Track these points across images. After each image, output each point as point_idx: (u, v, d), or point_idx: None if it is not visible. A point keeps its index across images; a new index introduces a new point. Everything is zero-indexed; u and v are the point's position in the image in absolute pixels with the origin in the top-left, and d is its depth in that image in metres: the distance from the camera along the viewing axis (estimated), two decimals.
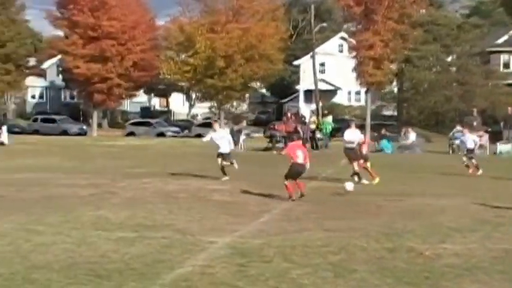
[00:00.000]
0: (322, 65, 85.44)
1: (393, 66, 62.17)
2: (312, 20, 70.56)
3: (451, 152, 41.82)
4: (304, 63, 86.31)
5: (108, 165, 28.15)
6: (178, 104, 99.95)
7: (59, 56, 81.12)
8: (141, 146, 48.17)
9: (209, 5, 64.95)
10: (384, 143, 43.88)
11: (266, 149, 43.57)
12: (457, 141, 37.56)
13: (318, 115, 54.41)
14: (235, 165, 23.86)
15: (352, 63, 59.89)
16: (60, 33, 73.46)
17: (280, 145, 43.49)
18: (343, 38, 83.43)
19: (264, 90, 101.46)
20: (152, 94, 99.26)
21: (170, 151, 43.36)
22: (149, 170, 27.66)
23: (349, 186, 19.10)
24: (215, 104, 73.49)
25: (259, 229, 13.69)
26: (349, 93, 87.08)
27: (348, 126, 24.68)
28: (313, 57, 68.83)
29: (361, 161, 22.84)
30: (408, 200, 18.15)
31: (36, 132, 68.18)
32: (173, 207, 16.43)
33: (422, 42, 69.57)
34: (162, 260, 10.62)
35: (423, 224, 14.17)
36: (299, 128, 43.21)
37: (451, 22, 76.45)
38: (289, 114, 46.87)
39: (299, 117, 48.19)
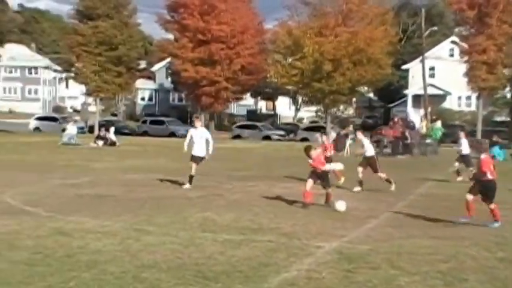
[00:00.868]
0: (432, 69, 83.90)
1: (506, 71, 60.41)
2: (423, 24, 69.34)
3: None
4: (413, 67, 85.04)
5: (214, 168, 28.31)
6: (284, 107, 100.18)
7: (169, 59, 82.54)
8: (247, 149, 48.43)
9: (318, 8, 64.66)
10: (496, 150, 42.63)
11: None
12: None
13: (427, 120, 53.44)
14: (187, 186, 21.04)
15: (463, 67, 58.63)
16: (170, 36, 74.67)
17: (388, 150, 42.99)
18: (454, 42, 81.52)
19: (371, 95, 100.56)
20: (259, 97, 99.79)
21: (276, 154, 43.41)
22: (255, 173, 27.73)
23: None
24: (321, 108, 73.18)
25: (366, 235, 13.49)
26: (460, 98, 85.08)
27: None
28: (422, 61, 67.67)
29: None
30: None
31: (145, 133, 69.56)
32: (278, 211, 16.38)
33: None
34: (268, 263, 10.55)
35: None
36: (407, 133, 42.58)
37: None
38: (396, 119, 46.21)
39: (407, 122, 47.43)
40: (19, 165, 28.91)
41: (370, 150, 23.25)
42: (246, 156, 40.56)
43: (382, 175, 22.02)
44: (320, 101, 67.76)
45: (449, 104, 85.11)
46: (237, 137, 69.07)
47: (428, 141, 45.02)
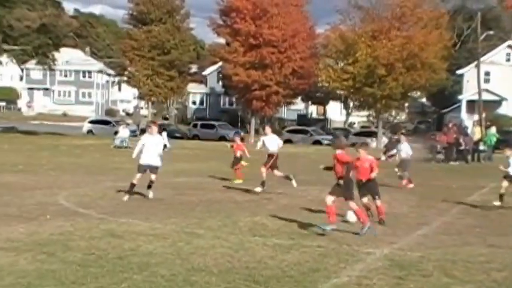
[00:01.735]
0: (487, 74, 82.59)
1: None
2: (478, 28, 68.34)
3: None
4: (468, 72, 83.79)
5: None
6: (335, 112, 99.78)
7: (220, 63, 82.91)
8: (297, 154, 48.30)
9: (371, 13, 64.38)
10: None
11: (426, 160, 42.66)
12: None
13: (481, 126, 52.66)
14: (150, 195, 18.95)
15: None
16: (222, 40, 74.99)
17: (441, 156, 42.53)
18: (510, 47, 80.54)
19: (424, 100, 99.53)
20: (309, 102, 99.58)
21: (326, 159, 43.05)
22: (305, 177, 27.58)
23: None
24: (373, 113, 72.75)
25: (418, 242, 13.34)
26: None
27: None
28: (478, 66, 66.65)
29: None
30: None
31: (195, 137, 69.88)
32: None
33: None
34: (318, 268, 10.51)
35: None
36: (461, 140, 42.07)
37: None
38: (450, 125, 45.66)
39: (461, 128, 46.80)
40: (72, 167, 29.31)
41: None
42: (296, 160, 40.41)
43: None
44: (372, 106, 67.41)
45: (505, 109, 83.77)
46: (287, 141, 69.00)
47: (482, 147, 44.40)
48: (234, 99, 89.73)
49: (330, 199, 13.97)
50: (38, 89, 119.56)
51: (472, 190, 23.55)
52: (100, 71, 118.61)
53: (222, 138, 67.85)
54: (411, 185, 24.36)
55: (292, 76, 68.35)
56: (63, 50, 69.81)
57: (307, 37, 70.50)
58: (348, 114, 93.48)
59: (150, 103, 71.10)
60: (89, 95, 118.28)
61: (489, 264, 11.19)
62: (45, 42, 60.32)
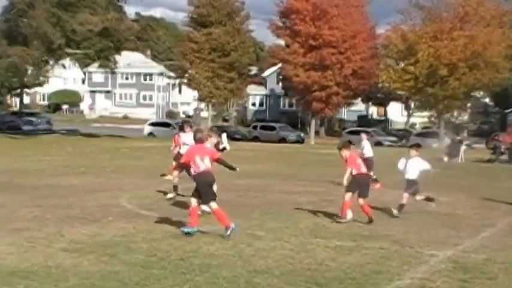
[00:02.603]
0: None
1: None
2: None
3: None
4: None
5: (325, 173, 28.22)
6: (395, 112, 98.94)
7: (279, 65, 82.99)
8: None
9: (433, 12, 63.78)
10: None
11: (489, 161, 42.00)
12: None
13: None
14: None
15: None
16: (281, 42, 75.09)
17: (505, 157, 41.82)
18: None
19: (487, 100, 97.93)
20: (370, 102, 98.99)
21: (386, 161, 42.71)
22: None
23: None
24: (435, 114, 71.94)
25: (482, 244, 13.12)
26: None
27: None
28: None
29: None
30: None
31: (255, 139, 69.87)
32: (390, 218, 16.15)
33: None
34: (381, 270, 10.41)
35: None
36: None
37: None
38: None
39: None
40: (134, 169, 29.61)
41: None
42: None
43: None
44: (433, 106, 66.75)
45: None
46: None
47: None
48: (293, 101, 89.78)
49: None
50: (100, 91, 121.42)
51: None
52: (161, 74, 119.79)
53: (282, 140, 67.84)
54: None
55: (352, 77, 68.12)
56: (124, 53, 70.73)
57: (367, 37, 70.17)
58: (409, 115, 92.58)
59: (210, 105, 71.46)
60: (150, 97, 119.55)
61: None
62: (107, 46, 61.21)
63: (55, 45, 58.44)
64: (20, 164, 31.41)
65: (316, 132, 75.44)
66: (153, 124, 74.41)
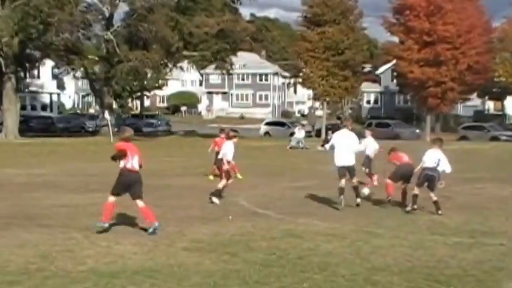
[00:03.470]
0: None
1: None
2: None
3: None
4: None
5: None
6: None
7: (393, 62, 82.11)
8: (474, 150, 47.05)
9: None
10: None
11: None
12: None
13: None
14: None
15: None
16: (395, 39, 74.31)
17: None
18: None
19: None
20: (486, 97, 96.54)
21: (505, 156, 41.86)
22: (482, 175, 26.94)
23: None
24: None
25: None
26: None
27: None
28: None
29: None
30: None
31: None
32: (510, 214, 15.88)
33: None
34: (501, 267, 10.31)
35: None
36: None
37: None
38: None
39: None
40: (251, 168, 29.97)
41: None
42: (473, 157, 39.43)
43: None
44: None
45: None
46: (463, 138, 67.21)
47: None
48: (408, 97, 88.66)
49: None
50: (217, 93, 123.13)
51: None
52: (276, 74, 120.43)
53: (397, 137, 67.11)
54: None
55: (467, 72, 66.69)
56: (239, 54, 71.59)
57: (482, 32, 68.52)
58: None
59: (324, 103, 71.42)
60: (266, 97, 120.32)
61: None
62: (223, 48, 62.13)
63: (173, 49, 59.81)
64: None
65: (432, 129, 74.20)
66: (268, 124, 75.03)
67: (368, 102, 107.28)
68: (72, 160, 34.93)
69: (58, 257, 10.92)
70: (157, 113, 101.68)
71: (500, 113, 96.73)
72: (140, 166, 13.32)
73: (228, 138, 19.27)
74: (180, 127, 76.31)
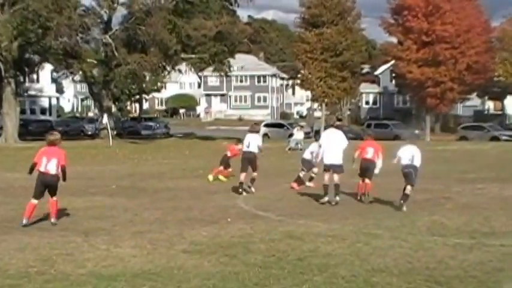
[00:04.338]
0: None
1: None
2: None
3: None
4: None
5: (440, 170, 27.84)
6: None
7: (392, 62, 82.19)
8: (474, 150, 47.05)
9: None
10: None
11: None
12: None
13: None
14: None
15: None
16: (394, 39, 74.41)
17: None
18: None
19: None
20: (486, 97, 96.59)
21: (505, 156, 41.84)
22: (483, 175, 26.92)
23: None
24: None
25: None
26: None
27: None
28: None
29: None
30: None
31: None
32: (511, 214, 15.84)
33: None
34: (503, 268, 10.27)
35: None
36: None
37: None
38: None
39: None
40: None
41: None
42: (474, 157, 39.42)
43: None
44: None
45: None
46: (463, 138, 67.22)
47: None
48: (407, 98, 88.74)
49: None
50: (215, 95, 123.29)
51: None
52: (274, 75, 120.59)
53: (396, 138, 67.05)
54: None
55: (467, 72, 66.80)
56: (237, 56, 71.70)
57: (481, 31, 68.64)
58: None
59: (323, 105, 71.43)
60: (264, 99, 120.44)
61: None
62: (221, 50, 62.18)
63: (171, 51, 59.82)
64: (141, 167, 32.36)
65: (432, 129, 74.24)
66: (267, 125, 74.94)
67: (367, 103, 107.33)
68: (71, 163, 34.80)
69: (58, 261, 10.91)
70: (155, 115, 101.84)
71: (500, 112, 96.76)
72: (63, 169, 14.42)
73: (254, 131, 21.34)
74: (178, 129, 76.39)
